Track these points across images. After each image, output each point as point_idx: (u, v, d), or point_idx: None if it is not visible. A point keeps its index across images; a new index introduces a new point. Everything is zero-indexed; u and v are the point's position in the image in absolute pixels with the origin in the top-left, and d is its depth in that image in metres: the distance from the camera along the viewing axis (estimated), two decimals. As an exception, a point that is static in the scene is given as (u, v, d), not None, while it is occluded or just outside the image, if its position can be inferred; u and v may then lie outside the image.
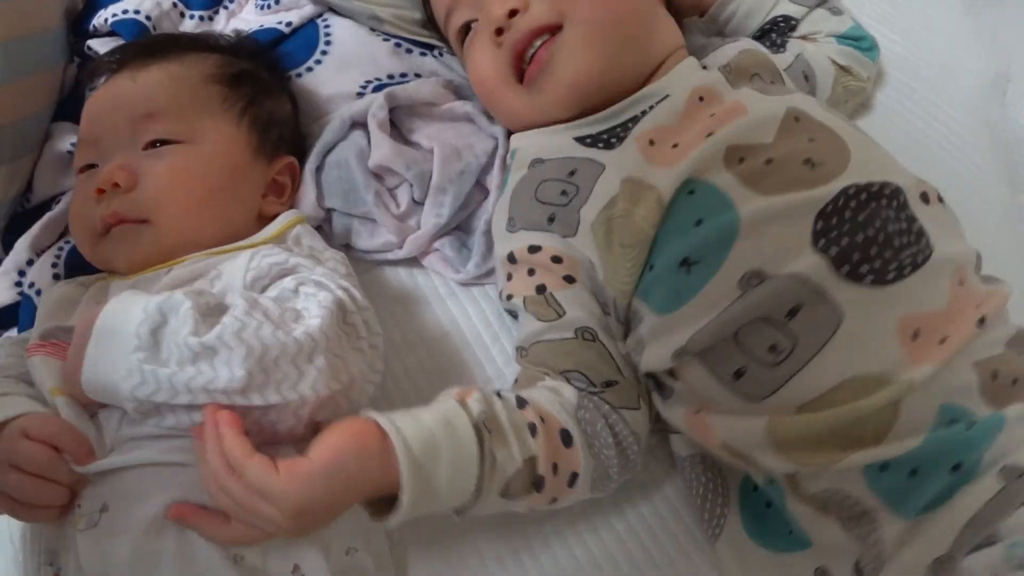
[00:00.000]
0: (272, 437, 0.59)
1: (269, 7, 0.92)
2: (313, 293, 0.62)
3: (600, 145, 0.71)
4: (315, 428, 0.58)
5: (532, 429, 0.59)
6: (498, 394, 0.60)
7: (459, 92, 0.87)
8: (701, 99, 0.70)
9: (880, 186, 0.60)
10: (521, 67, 0.72)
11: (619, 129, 0.71)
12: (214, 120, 0.74)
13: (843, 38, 0.84)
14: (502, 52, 0.72)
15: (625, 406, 0.65)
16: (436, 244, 0.81)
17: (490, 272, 0.79)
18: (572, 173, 0.70)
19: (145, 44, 0.83)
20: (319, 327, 0.58)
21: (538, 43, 0.71)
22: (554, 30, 0.70)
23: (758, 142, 0.64)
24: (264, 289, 0.65)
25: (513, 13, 0.70)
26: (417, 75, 0.87)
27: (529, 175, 0.73)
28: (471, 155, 0.81)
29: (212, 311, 0.58)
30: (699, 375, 0.61)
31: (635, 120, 0.71)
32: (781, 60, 0.80)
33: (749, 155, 0.63)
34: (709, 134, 0.65)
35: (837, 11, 0.86)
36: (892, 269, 0.58)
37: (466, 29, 0.77)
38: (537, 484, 0.58)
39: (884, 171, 0.62)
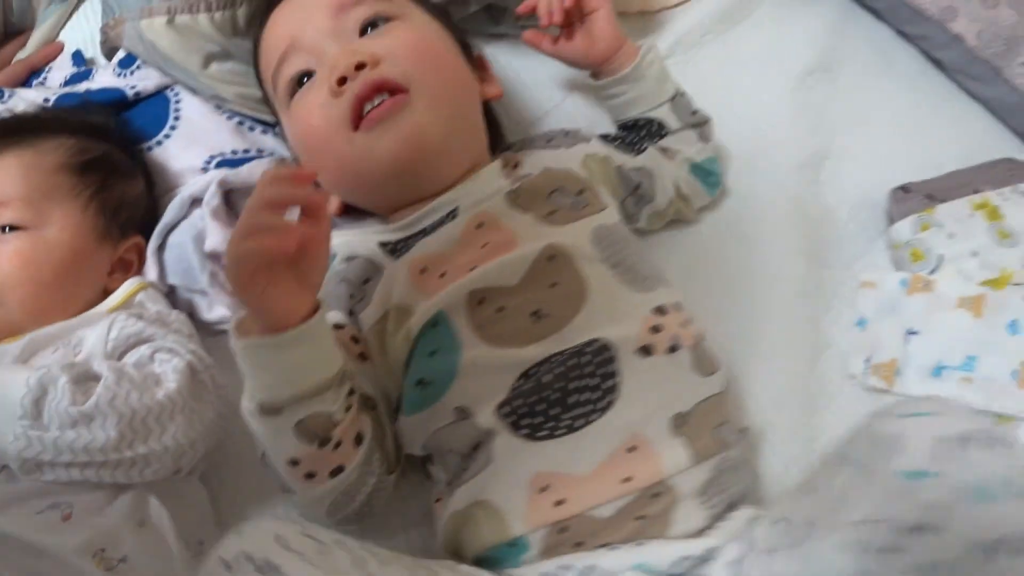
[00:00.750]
0: (142, 480, 0.69)
1: (126, 75, 0.98)
2: (168, 359, 0.72)
3: (394, 255, 0.77)
4: (177, 470, 0.70)
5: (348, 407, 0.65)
6: None
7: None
8: (479, 226, 0.74)
9: (586, 344, 0.65)
10: (359, 115, 0.72)
11: (411, 240, 0.77)
12: (61, 207, 0.82)
13: (696, 167, 0.89)
14: (341, 101, 0.72)
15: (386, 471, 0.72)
16: None
17: None
18: (366, 281, 0.76)
19: (5, 126, 0.89)
20: (176, 390, 0.69)
21: (377, 100, 0.73)
22: (398, 91, 0.72)
23: (502, 285, 0.68)
24: (122, 355, 0.74)
25: (360, 67, 0.72)
26: (259, 150, 0.94)
27: (339, 269, 0.79)
28: None
29: (83, 377, 0.68)
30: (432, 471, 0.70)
31: (424, 232, 0.76)
32: (625, 159, 0.85)
33: (488, 299, 0.68)
34: (473, 267, 0.70)
35: (706, 138, 0.91)
36: (547, 427, 0.63)
37: (299, 81, 0.77)
38: (324, 441, 0.63)
39: (609, 323, 0.66)
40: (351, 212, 0.86)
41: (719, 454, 0.64)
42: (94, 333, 0.75)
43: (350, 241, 0.80)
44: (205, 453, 0.74)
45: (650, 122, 0.89)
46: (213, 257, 0.87)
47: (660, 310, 0.69)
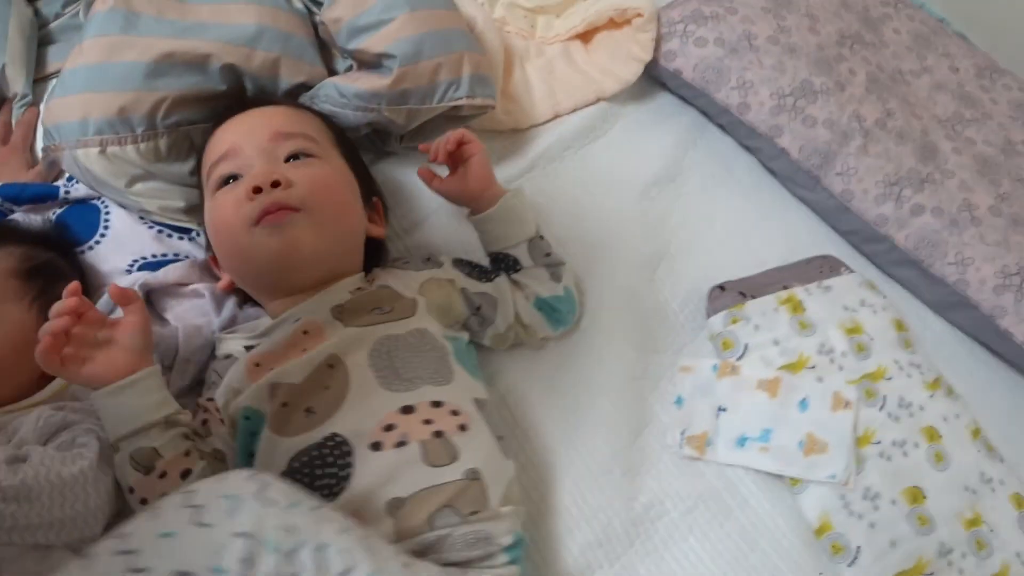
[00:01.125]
0: (69, 538, 0.82)
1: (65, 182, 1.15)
2: (85, 442, 0.87)
3: (247, 351, 0.94)
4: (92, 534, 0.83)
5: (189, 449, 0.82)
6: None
7: (209, 271, 1.10)
8: (305, 332, 0.89)
9: (328, 438, 0.79)
10: (260, 218, 0.89)
11: (262, 340, 0.94)
12: (7, 307, 0.97)
13: (541, 302, 1.01)
14: (252, 205, 0.88)
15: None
16: None
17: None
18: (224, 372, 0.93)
19: None
20: (90, 465, 0.83)
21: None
22: (293, 210, 0.90)
23: (290, 383, 0.84)
24: (48, 440, 0.89)
25: (275, 184, 0.89)
26: (175, 254, 1.10)
27: (215, 363, 0.98)
28: (208, 331, 1.04)
29: (15, 459, 0.83)
30: None
31: (272, 331, 0.93)
32: (470, 284, 1.01)
33: (280, 393, 0.83)
34: (283, 366, 0.87)
35: (557, 277, 1.03)
36: None
37: (227, 180, 0.93)
38: (149, 469, 0.79)
39: (352, 421, 0.80)
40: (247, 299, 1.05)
41: (422, 535, 0.75)
42: (26, 422, 0.91)
43: (228, 343, 0.98)
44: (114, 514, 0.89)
45: (506, 257, 1.03)
46: None
47: (406, 409, 0.82)
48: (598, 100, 1.37)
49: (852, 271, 1.27)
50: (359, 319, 0.90)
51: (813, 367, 1.12)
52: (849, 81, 1.38)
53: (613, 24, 1.42)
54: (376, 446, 0.79)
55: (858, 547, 1.01)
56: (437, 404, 0.85)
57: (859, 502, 1.03)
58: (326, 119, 1.07)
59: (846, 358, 1.14)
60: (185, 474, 0.82)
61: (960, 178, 1.34)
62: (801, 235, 1.34)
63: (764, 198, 1.37)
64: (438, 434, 0.81)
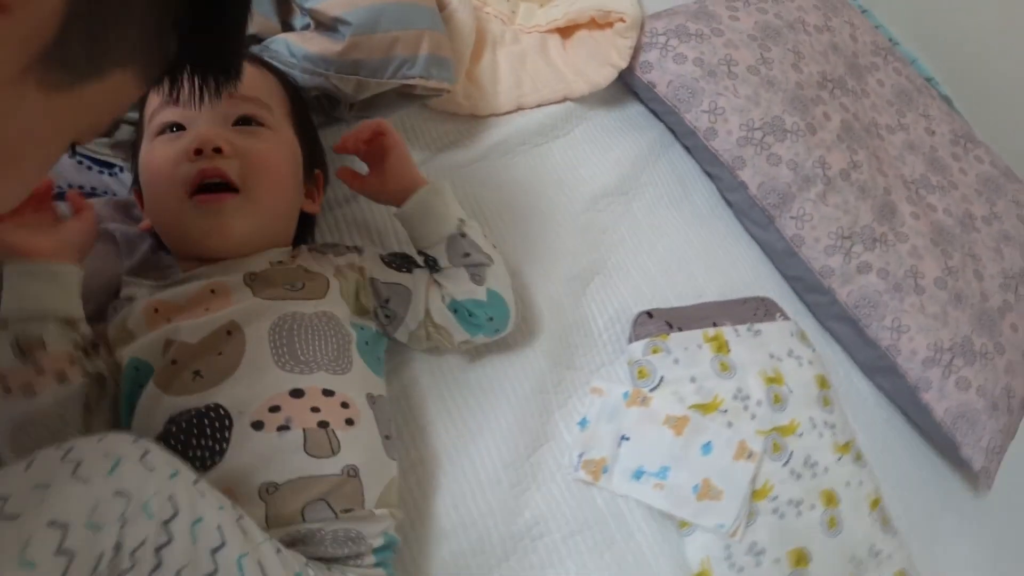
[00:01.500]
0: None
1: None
2: None
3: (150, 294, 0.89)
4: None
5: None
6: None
7: (126, 210, 1.05)
8: (212, 291, 0.85)
9: (212, 407, 0.75)
10: (195, 185, 0.84)
11: (168, 285, 0.88)
12: None
13: (456, 304, 0.93)
14: (190, 167, 0.83)
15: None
16: None
17: None
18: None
19: None
20: None
21: (214, 181, 0.85)
22: (230, 187, 0.85)
23: (185, 341, 0.79)
24: None
25: (217, 150, 0.84)
26: (93, 188, 1.05)
27: (116, 303, 0.91)
28: (111, 273, 0.97)
29: None
30: None
31: (176, 284, 0.88)
32: (382, 274, 0.95)
33: (172, 350, 0.79)
34: (180, 320, 0.82)
35: (478, 279, 0.94)
36: None
37: (169, 127, 0.86)
38: (26, 358, 0.75)
39: (239, 395, 0.75)
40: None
41: (293, 524, 0.72)
42: None
43: (133, 287, 0.91)
44: None
45: (426, 255, 0.97)
46: None
47: (296, 393, 0.77)
48: (564, 100, 1.32)
49: (787, 318, 1.25)
50: (269, 291, 0.86)
51: (725, 411, 1.10)
52: (822, 125, 1.35)
53: (595, 24, 1.37)
54: (258, 425, 0.75)
55: (732, 601, 0.99)
56: (328, 393, 0.81)
57: (742, 555, 1.01)
58: (285, 80, 1.01)
59: (760, 407, 1.11)
60: (61, 378, 0.76)
61: (913, 244, 1.31)
62: (745, 272, 1.31)
63: (716, 228, 1.34)
64: (323, 424, 0.78)
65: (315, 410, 0.79)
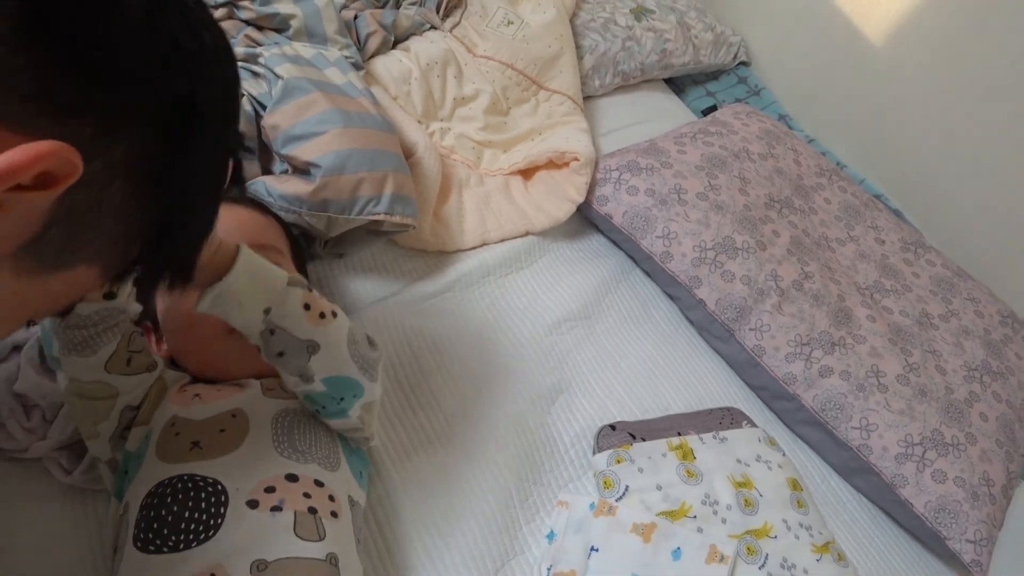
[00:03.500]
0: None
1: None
2: None
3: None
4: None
5: None
6: None
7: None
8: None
9: (210, 481, 0.74)
10: None
11: None
12: None
13: (307, 397, 0.84)
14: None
15: None
16: (55, 454, 0.99)
17: (95, 480, 0.96)
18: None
19: None
20: None
21: None
22: None
23: (190, 418, 0.80)
24: None
25: None
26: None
27: None
28: None
29: None
30: None
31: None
32: None
33: (177, 424, 0.80)
34: (197, 395, 0.85)
35: (306, 376, 0.81)
36: (156, 542, 0.70)
37: None
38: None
39: (238, 473, 0.75)
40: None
41: None
42: None
43: None
44: None
45: None
46: (17, 396, 0.98)
47: (291, 477, 0.77)
48: (527, 233, 1.35)
49: (755, 426, 1.22)
50: (275, 391, 0.87)
51: (694, 517, 1.05)
52: (772, 242, 1.37)
53: (552, 165, 1.42)
54: (253, 504, 0.74)
55: None
56: (319, 484, 0.80)
57: (720, 665, 0.95)
58: (283, 222, 1.05)
59: (731, 511, 1.07)
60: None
61: (871, 344, 1.30)
62: (711, 385, 1.29)
63: (678, 345, 1.33)
64: (312, 511, 0.77)
65: (307, 496, 0.78)
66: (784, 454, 1.20)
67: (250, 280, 0.73)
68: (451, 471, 1.04)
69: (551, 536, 1.02)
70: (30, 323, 1.03)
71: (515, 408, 1.13)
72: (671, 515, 1.05)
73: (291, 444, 0.82)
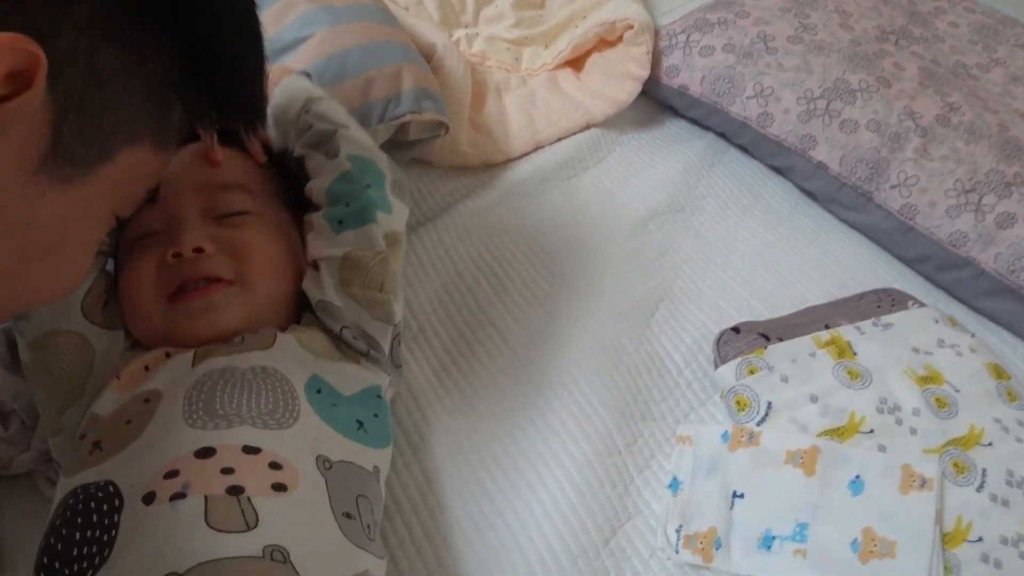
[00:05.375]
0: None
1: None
2: None
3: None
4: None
5: None
6: None
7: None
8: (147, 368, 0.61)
9: (102, 485, 0.51)
10: (176, 288, 0.62)
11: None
12: None
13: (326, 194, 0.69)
14: (171, 272, 0.62)
15: None
16: (43, 466, 0.74)
17: None
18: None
19: None
20: None
21: (200, 285, 0.62)
22: (218, 280, 0.62)
23: (98, 414, 0.58)
24: None
25: (199, 250, 0.62)
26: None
27: None
28: None
29: None
30: None
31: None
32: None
33: (87, 423, 0.58)
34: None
35: (332, 151, 0.70)
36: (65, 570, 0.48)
37: (144, 236, 0.65)
38: None
39: (134, 465, 0.52)
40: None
41: None
42: None
43: None
44: None
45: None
46: None
47: (203, 452, 0.51)
48: (588, 127, 1.03)
49: (924, 305, 0.85)
50: (208, 356, 0.60)
51: (871, 431, 0.71)
52: (896, 76, 0.99)
53: (605, 44, 1.09)
54: (149, 498, 0.49)
55: None
56: (251, 450, 0.52)
57: (955, 634, 0.60)
58: (272, 157, 0.77)
59: (920, 417, 0.72)
60: None
61: (1060, 177, 0.91)
62: (853, 268, 0.94)
63: (801, 225, 0.98)
64: (234, 490, 0.50)
65: (227, 471, 0.51)
66: (973, 335, 0.83)
67: None
68: (526, 417, 0.73)
69: (675, 485, 0.70)
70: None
71: (602, 327, 0.81)
72: (838, 434, 0.71)
73: (208, 410, 0.54)
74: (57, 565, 0.48)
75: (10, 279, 0.40)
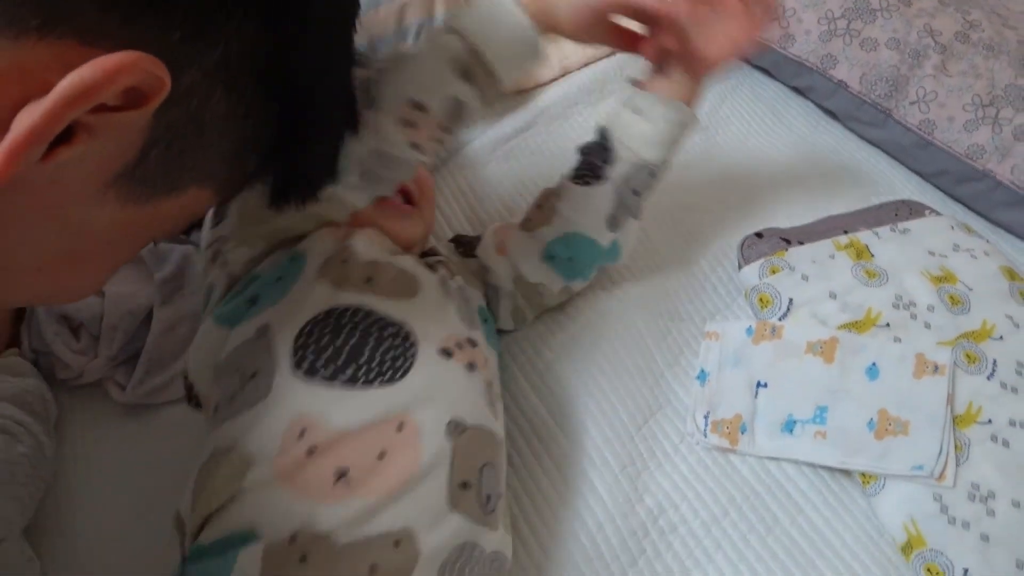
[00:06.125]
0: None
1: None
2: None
3: None
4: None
5: None
6: None
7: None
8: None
9: (395, 323, 0.57)
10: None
11: None
12: None
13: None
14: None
15: None
16: (111, 372, 0.79)
17: (152, 392, 0.76)
18: None
19: None
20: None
21: None
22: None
23: (359, 254, 0.62)
24: None
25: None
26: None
27: None
28: (141, 298, 0.79)
29: None
30: None
31: None
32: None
33: (344, 253, 0.62)
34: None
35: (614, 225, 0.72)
36: (328, 369, 0.53)
37: None
38: None
39: (422, 318, 0.59)
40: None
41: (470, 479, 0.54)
42: None
43: None
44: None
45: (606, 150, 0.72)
46: (61, 319, 0.79)
47: (472, 342, 0.60)
48: (613, 52, 1.04)
49: (940, 214, 0.87)
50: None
51: (887, 325, 0.73)
52: (917, -5, 0.99)
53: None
54: (447, 353, 0.57)
55: (965, 570, 0.60)
56: (486, 360, 0.62)
57: (963, 504, 0.63)
58: None
59: (934, 313, 0.74)
60: None
61: (1078, 89, 0.91)
62: (874, 181, 0.95)
63: (823, 143, 0.99)
64: (490, 384, 0.61)
65: (485, 364, 0.61)
66: (988, 241, 0.84)
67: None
68: (566, 319, 0.76)
69: (703, 377, 0.73)
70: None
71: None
72: (856, 327, 0.73)
73: (467, 309, 0.64)
74: (334, 355, 0.53)
75: (40, 275, 0.39)
